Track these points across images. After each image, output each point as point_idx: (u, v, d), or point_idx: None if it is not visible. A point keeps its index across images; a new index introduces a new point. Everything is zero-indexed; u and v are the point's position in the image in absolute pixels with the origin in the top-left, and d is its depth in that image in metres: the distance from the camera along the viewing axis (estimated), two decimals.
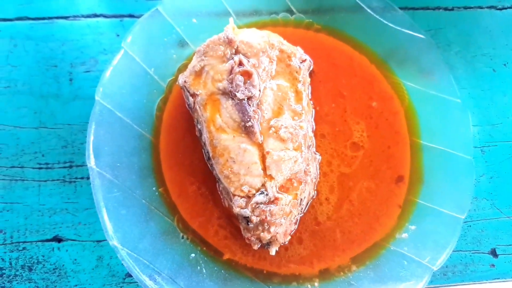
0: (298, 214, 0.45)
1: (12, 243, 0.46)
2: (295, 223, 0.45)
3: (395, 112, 0.50)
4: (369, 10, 0.51)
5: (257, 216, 0.40)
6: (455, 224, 0.44)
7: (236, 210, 0.41)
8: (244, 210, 0.41)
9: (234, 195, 0.41)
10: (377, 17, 0.51)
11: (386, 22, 0.51)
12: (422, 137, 0.49)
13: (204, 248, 0.45)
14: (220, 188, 0.45)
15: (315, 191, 0.46)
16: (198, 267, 0.43)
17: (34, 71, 0.52)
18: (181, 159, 0.47)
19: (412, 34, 0.50)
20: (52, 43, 0.53)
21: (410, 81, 0.51)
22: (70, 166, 0.49)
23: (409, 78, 0.51)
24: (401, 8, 0.51)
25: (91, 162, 0.42)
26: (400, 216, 0.47)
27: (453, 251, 0.43)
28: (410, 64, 0.51)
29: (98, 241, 0.47)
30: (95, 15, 0.54)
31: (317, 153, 0.47)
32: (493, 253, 0.49)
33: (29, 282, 0.45)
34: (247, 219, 0.41)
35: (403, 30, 0.50)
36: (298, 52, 0.46)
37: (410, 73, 0.51)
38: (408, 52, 0.51)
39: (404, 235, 0.46)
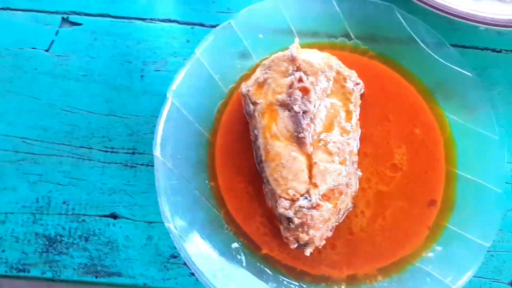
0: (335, 222, 0.50)
1: (74, 214, 0.54)
2: (331, 230, 0.50)
3: (436, 141, 0.55)
4: (422, 44, 0.57)
5: (299, 218, 0.46)
6: (479, 251, 0.49)
7: (280, 210, 0.47)
8: (288, 211, 0.47)
9: (280, 197, 0.48)
10: (429, 51, 0.57)
11: (437, 57, 0.56)
12: (458, 167, 0.54)
13: (245, 241, 0.51)
14: (266, 190, 0.52)
15: (353, 204, 0.52)
16: (238, 256, 0.50)
17: (110, 64, 0.60)
18: (233, 158, 0.54)
19: (460, 71, 0.55)
20: (129, 41, 0.61)
21: (453, 114, 0.56)
22: (133, 153, 0.56)
23: (452, 111, 0.56)
24: (452, 45, 0.56)
25: (157, 151, 0.49)
26: (428, 237, 0.52)
27: (474, 276, 0.48)
28: (455, 98, 0.56)
29: (150, 222, 0.53)
30: (170, 21, 0.61)
31: (358, 169, 0.53)
32: None
33: (84, 251, 0.52)
34: (289, 220, 0.47)
35: (452, 66, 0.56)
36: (353, 75, 0.52)
37: (454, 106, 0.56)
38: (455, 87, 0.56)
39: (430, 254, 0.51)
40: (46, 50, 0.60)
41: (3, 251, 0.52)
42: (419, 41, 0.57)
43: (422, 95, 0.57)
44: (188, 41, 0.61)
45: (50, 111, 0.57)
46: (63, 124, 0.57)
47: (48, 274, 0.51)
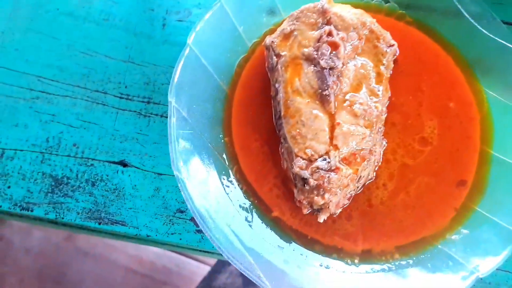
0: (354, 190, 0.47)
1: (83, 158, 0.52)
2: (349, 199, 0.47)
3: (471, 118, 0.51)
4: (465, 13, 0.52)
5: (315, 180, 0.43)
6: (509, 238, 0.45)
7: (296, 170, 0.44)
8: (303, 171, 0.44)
9: (296, 156, 0.45)
10: (472, 21, 0.52)
11: (480, 28, 0.52)
12: (493, 148, 0.50)
13: (255, 201, 0.48)
14: (282, 149, 0.49)
15: (374, 174, 0.49)
16: (246, 215, 0.47)
17: (132, 10, 0.58)
18: (250, 115, 0.51)
19: (504, 44, 0.51)
20: None
21: (492, 90, 0.52)
22: (148, 102, 0.54)
23: (492, 87, 0.52)
24: None
25: (172, 97, 0.47)
26: (454, 218, 0.48)
27: (500, 269, 0.44)
28: (496, 73, 0.52)
29: (159, 174, 0.51)
30: None
31: (384, 138, 0.50)
32: None
33: (90, 196, 0.51)
34: (305, 181, 0.44)
35: (496, 38, 0.51)
36: (387, 37, 0.49)
37: (494, 82, 0.52)
38: (497, 62, 0.51)
39: (455, 236, 0.47)
40: None
41: (9, 187, 0.51)
42: (462, 10, 0.53)
43: (460, 67, 0.53)
44: None
45: (68, 52, 0.56)
46: (80, 66, 0.55)
47: (51, 215, 0.50)
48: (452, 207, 0.49)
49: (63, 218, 0.50)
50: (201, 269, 1.20)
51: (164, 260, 1.22)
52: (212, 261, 1.17)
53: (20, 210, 0.50)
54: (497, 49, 0.51)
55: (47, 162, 0.52)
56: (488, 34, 0.52)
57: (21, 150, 0.52)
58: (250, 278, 0.42)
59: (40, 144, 0.52)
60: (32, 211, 0.50)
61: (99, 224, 0.50)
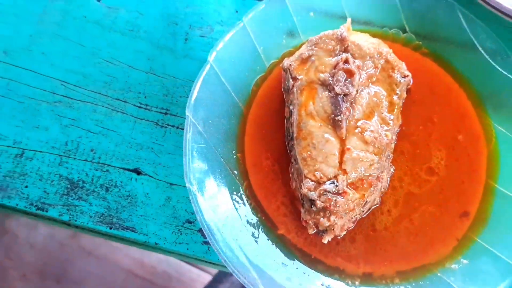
0: (359, 215, 0.49)
1: (99, 163, 0.54)
2: (353, 222, 0.49)
3: (479, 151, 0.53)
4: (480, 49, 0.54)
5: (322, 202, 0.45)
6: (508, 272, 0.46)
7: (304, 191, 0.46)
8: (312, 193, 0.46)
9: (305, 177, 0.46)
10: (487, 57, 0.54)
11: (494, 64, 0.54)
12: (498, 182, 0.51)
13: (263, 218, 0.50)
14: (292, 170, 0.51)
15: (380, 200, 0.50)
16: (253, 230, 0.49)
17: (157, 23, 0.60)
18: (264, 133, 0.53)
19: None
20: (179, 3, 0.61)
21: (501, 126, 0.53)
22: (166, 113, 0.56)
23: (501, 123, 0.53)
24: None
25: (190, 111, 0.49)
26: (455, 248, 0.49)
27: None
28: (507, 110, 0.53)
29: (171, 184, 0.53)
30: None
31: (392, 165, 0.51)
32: None
33: (103, 200, 0.53)
34: (312, 202, 0.46)
35: (509, 76, 0.53)
36: (403, 67, 0.50)
37: (504, 118, 0.53)
38: (509, 98, 0.53)
39: (454, 266, 0.48)
40: (98, 0, 0.61)
41: (26, 186, 0.53)
42: (478, 45, 0.54)
43: (471, 101, 0.55)
44: (237, 11, 0.60)
45: (93, 59, 0.58)
46: (103, 74, 0.58)
47: (65, 217, 0.52)
48: (454, 237, 0.50)
49: (76, 221, 0.52)
50: (201, 277, 1.22)
51: (165, 265, 1.24)
52: (213, 270, 1.19)
53: (36, 210, 0.52)
54: (510, 86, 0.53)
55: (65, 165, 0.54)
56: (502, 71, 0.53)
57: (40, 152, 0.54)
58: None
59: (59, 147, 0.55)
60: (47, 211, 0.52)
61: (110, 228, 0.52)
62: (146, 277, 1.22)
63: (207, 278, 1.18)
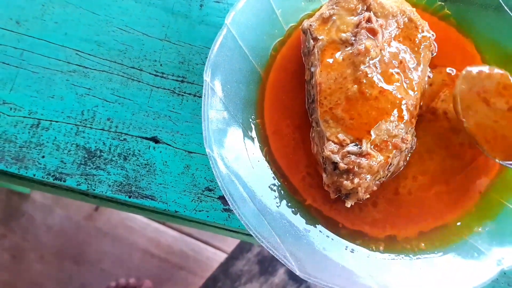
0: (383, 177, 0.48)
1: (116, 132, 0.54)
2: (377, 185, 0.48)
3: None
4: (505, 7, 0.53)
5: (345, 164, 0.44)
6: None
7: (327, 153, 0.45)
8: (334, 155, 0.45)
9: (328, 140, 0.46)
10: None
11: None
12: None
13: (285, 183, 0.49)
14: (313, 134, 0.50)
15: (404, 163, 0.49)
16: (274, 195, 0.48)
17: None
18: (283, 100, 0.52)
19: None
20: None
21: None
22: (182, 81, 0.56)
23: None
24: None
25: (208, 75, 0.48)
26: (478, 206, 0.49)
27: None
28: None
29: (190, 152, 0.53)
30: None
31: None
32: None
33: (121, 169, 0.53)
34: (335, 165, 0.45)
35: None
36: (426, 26, 0.49)
37: None
38: None
39: (481, 229, 0.47)
40: None
41: (43, 157, 0.53)
42: (503, 3, 0.53)
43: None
44: None
45: (107, 28, 0.58)
46: (117, 42, 0.57)
47: (83, 187, 0.52)
48: (477, 190, 0.49)
49: (94, 190, 0.52)
50: (217, 255, 1.22)
51: (181, 244, 1.25)
52: (229, 248, 1.19)
53: (53, 179, 0.52)
54: None
55: (81, 135, 0.54)
56: None
57: (56, 122, 0.54)
58: (276, 257, 0.43)
59: (75, 117, 0.54)
60: (64, 181, 0.52)
61: (129, 197, 0.52)
62: (162, 256, 1.24)
63: (223, 256, 1.19)
